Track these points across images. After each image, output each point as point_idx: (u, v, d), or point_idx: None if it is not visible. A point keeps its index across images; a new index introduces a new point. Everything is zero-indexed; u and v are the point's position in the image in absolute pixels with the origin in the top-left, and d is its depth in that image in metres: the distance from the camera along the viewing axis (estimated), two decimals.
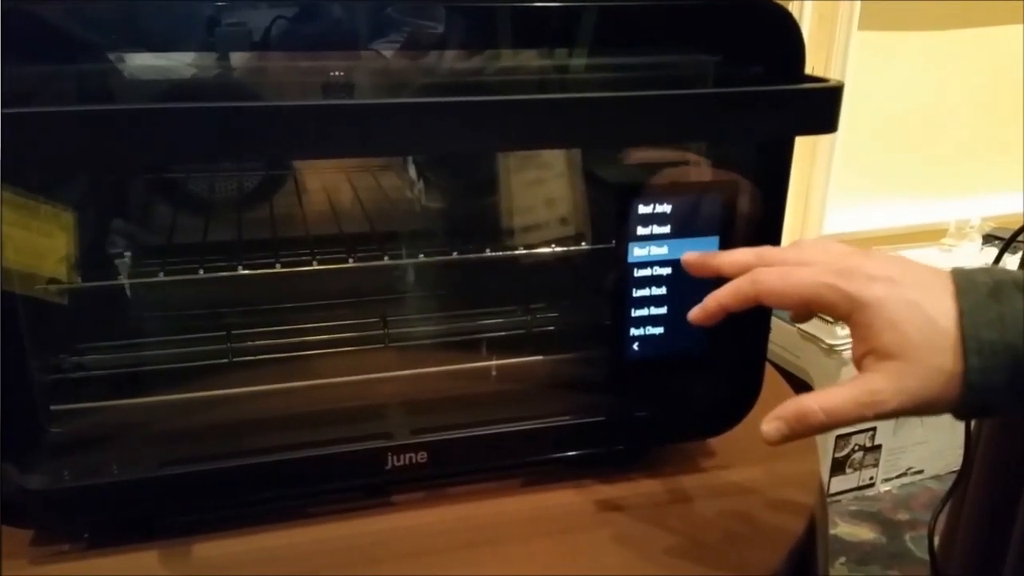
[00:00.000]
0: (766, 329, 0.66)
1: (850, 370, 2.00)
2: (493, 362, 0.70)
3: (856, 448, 1.91)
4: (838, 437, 1.87)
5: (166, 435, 0.62)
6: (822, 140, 2.14)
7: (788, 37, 0.57)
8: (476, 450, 0.62)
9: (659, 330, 0.64)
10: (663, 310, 0.64)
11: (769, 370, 0.69)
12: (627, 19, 0.56)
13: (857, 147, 2.19)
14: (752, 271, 0.50)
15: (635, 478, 0.66)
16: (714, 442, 0.69)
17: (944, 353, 0.45)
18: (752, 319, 0.63)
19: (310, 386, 0.66)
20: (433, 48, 0.54)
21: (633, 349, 0.64)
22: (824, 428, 0.47)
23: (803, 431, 0.48)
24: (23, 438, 0.56)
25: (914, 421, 1.97)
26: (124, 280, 0.64)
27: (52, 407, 0.60)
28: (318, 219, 0.74)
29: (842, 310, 0.47)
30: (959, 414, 0.47)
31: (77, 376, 0.64)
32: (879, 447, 1.93)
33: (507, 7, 0.53)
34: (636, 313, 0.63)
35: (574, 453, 0.65)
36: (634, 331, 0.64)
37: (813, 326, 1.81)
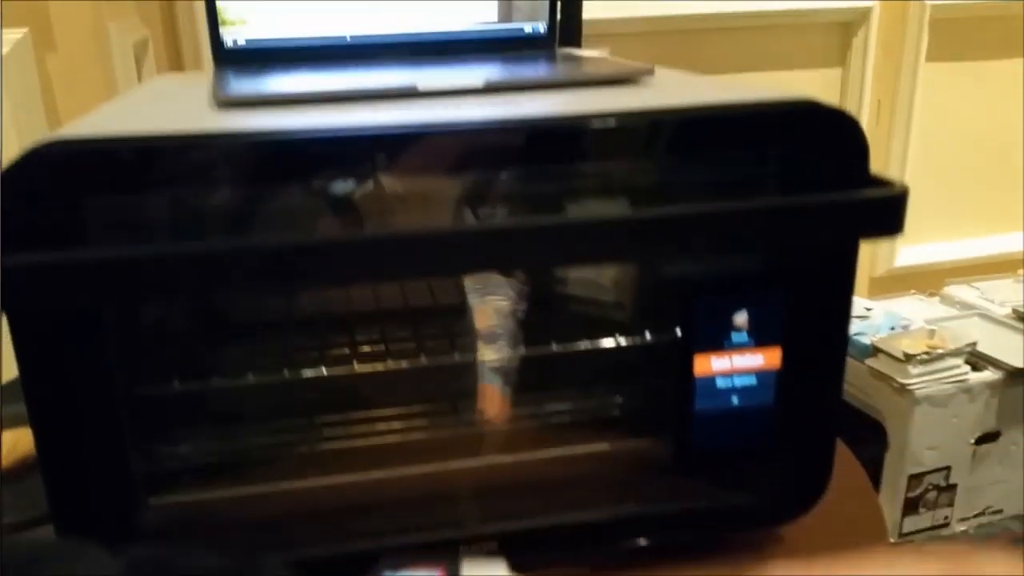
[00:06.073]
0: (834, 414, 0.66)
1: (923, 409, 1.94)
2: (560, 450, 0.72)
3: (930, 488, 1.87)
4: (911, 477, 1.84)
5: (254, 524, 0.65)
6: (892, 169, 2.11)
7: (851, 140, 0.57)
8: (545, 539, 0.64)
9: (726, 418, 0.65)
10: (729, 398, 0.64)
11: (841, 450, 0.68)
12: (691, 126, 0.57)
13: (928, 179, 2.15)
14: None
15: (703, 566, 0.67)
16: (783, 528, 0.69)
17: None
18: (820, 406, 0.63)
19: (385, 475, 0.69)
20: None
21: (700, 437, 0.65)
22: None
23: None
24: (118, 527, 0.59)
25: (993, 458, 1.92)
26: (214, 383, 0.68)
27: (149, 499, 0.63)
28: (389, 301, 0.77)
29: None
30: None
31: (170, 467, 0.67)
32: (954, 487, 1.89)
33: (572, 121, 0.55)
34: (702, 403, 0.64)
35: (642, 543, 0.66)
36: (700, 419, 0.65)
37: (885, 364, 1.78)
